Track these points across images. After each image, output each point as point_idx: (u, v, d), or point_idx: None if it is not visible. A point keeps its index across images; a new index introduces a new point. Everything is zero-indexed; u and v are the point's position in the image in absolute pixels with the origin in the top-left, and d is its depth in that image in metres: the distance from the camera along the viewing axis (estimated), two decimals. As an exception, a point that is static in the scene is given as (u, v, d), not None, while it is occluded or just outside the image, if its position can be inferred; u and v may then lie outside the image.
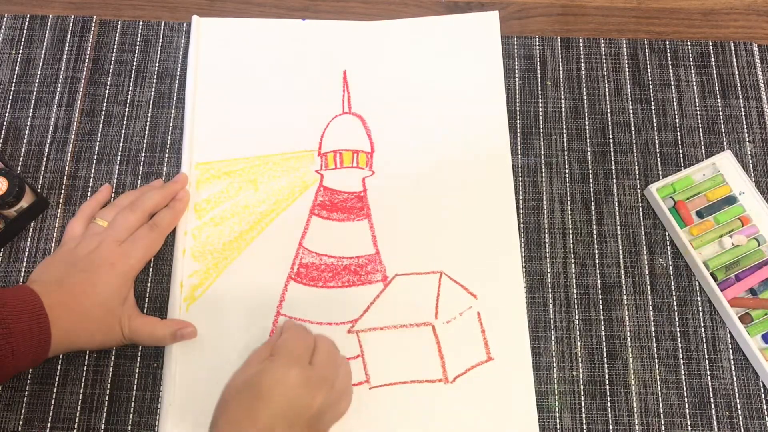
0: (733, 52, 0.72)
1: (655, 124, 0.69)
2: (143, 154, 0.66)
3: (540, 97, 0.70)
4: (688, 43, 0.72)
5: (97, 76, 0.69)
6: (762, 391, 0.60)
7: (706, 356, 0.61)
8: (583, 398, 0.60)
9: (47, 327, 0.53)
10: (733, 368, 0.61)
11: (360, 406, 0.58)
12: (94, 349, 0.59)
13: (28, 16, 0.71)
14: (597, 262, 0.64)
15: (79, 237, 0.60)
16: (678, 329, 0.62)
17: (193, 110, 0.67)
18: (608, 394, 0.60)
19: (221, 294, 0.61)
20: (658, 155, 0.68)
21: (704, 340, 0.62)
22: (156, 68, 0.70)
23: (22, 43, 0.70)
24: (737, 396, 0.60)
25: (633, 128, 0.69)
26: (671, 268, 0.64)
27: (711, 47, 0.72)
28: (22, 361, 0.53)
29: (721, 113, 0.69)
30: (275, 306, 0.61)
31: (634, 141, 0.68)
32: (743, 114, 0.69)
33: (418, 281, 0.62)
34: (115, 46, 0.70)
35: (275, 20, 0.72)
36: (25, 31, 0.70)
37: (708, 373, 0.61)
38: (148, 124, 0.67)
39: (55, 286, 0.55)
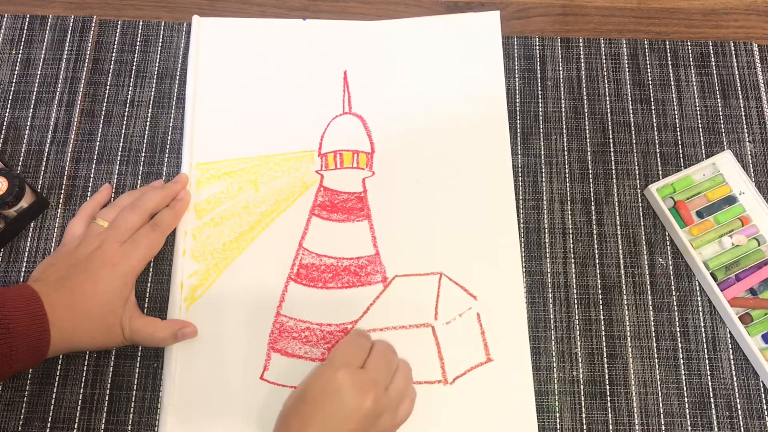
0: (733, 52, 0.72)
1: (655, 124, 0.69)
2: (143, 154, 0.66)
3: (540, 97, 0.70)
4: (688, 43, 0.72)
5: (97, 76, 0.69)
6: (762, 391, 0.60)
7: (706, 356, 0.61)
8: (583, 398, 0.60)
9: (47, 327, 0.53)
10: (733, 368, 0.61)
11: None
12: (95, 350, 0.59)
13: (28, 16, 0.71)
14: (597, 262, 0.64)
15: (80, 237, 0.59)
16: (678, 329, 0.62)
17: (193, 110, 0.67)
18: (608, 394, 0.60)
19: (221, 294, 0.61)
20: (658, 155, 0.68)
21: (704, 340, 0.62)
22: (156, 68, 0.70)
23: (22, 43, 0.70)
24: (737, 396, 0.60)
25: (633, 128, 0.69)
26: (671, 268, 0.64)
27: (711, 47, 0.72)
28: (21, 362, 0.53)
29: (721, 113, 0.69)
30: (275, 307, 0.61)
31: (634, 141, 0.68)
32: (743, 114, 0.69)
33: (418, 282, 0.62)
34: (115, 46, 0.70)
35: (276, 20, 0.71)
36: (25, 31, 0.70)
37: (708, 373, 0.61)
38: (148, 124, 0.67)
39: (56, 286, 0.55)
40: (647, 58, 0.71)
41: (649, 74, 0.71)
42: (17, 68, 0.69)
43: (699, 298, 0.63)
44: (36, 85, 0.68)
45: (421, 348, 0.60)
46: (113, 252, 0.58)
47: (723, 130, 0.69)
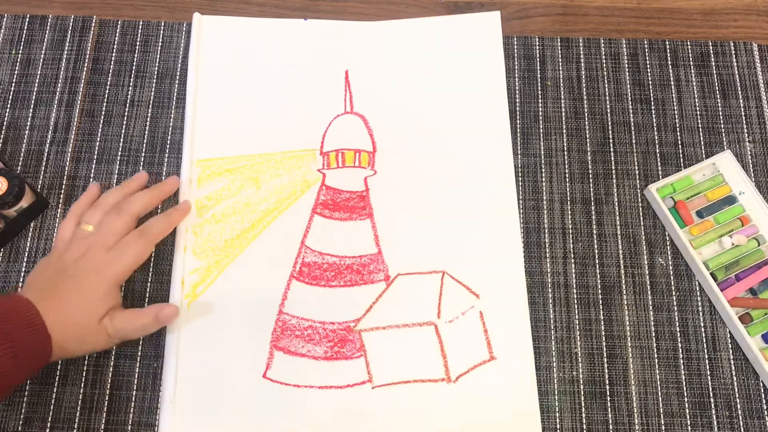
0: (733, 52, 0.72)
1: (655, 124, 0.69)
2: (143, 154, 0.66)
3: (540, 97, 0.70)
4: (688, 43, 0.72)
5: (97, 76, 0.69)
6: (762, 391, 0.60)
7: (706, 356, 0.61)
8: (583, 398, 0.60)
9: (48, 338, 0.53)
10: (733, 368, 0.61)
11: (362, 406, 0.58)
12: (85, 354, 0.59)
13: (28, 16, 0.71)
14: (597, 262, 0.64)
15: (70, 240, 0.59)
16: (678, 329, 0.62)
17: (194, 107, 0.67)
18: (608, 394, 0.60)
19: (223, 292, 0.61)
20: (658, 155, 0.68)
21: (704, 340, 0.62)
22: (156, 68, 0.69)
23: (22, 43, 0.70)
24: (737, 396, 0.60)
25: (633, 128, 0.69)
26: (671, 268, 0.64)
27: (711, 47, 0.72)
28: (26, 374, 0.53)
29: (721, 113, 0.69)
30: (277, 305, 0.61)
31: (634, 141, 0.68)
32: (743, 114, 0.69)
33: (421, 281, 0.62)
34: (115, 46, 0.70)
35: (278, 20, 0.71)
36: (25, 31, 0.70)
37: (708, 373, 0.61)
38: (148, 124, 0.67)
39: (46, 293, 0.55)
40: (647, 58, 0.71)
41: (649, 74, 0.71)
42: (17, 68, 0.69)
43: (699, 298, 0.63)
44: (36, 85, 0.68)
45: (423, 346, 0.60)
46: (98, 258, 0.57)
47: (723, 130, 0.69)
